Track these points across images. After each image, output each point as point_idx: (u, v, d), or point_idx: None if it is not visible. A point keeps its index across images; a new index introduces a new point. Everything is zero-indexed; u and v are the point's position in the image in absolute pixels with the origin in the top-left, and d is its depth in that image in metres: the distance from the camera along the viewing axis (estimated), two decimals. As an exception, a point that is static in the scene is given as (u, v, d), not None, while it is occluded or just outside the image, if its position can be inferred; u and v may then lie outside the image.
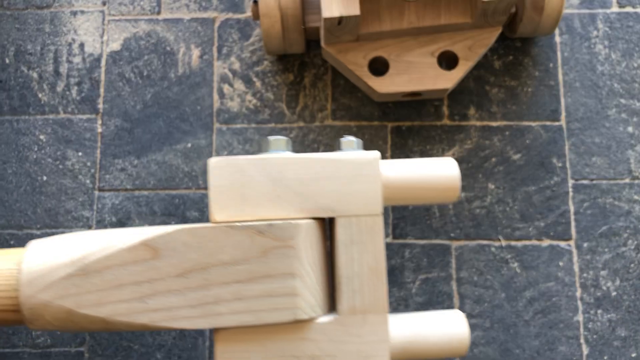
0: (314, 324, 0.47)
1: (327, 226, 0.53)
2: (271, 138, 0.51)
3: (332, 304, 0.51)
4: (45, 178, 0.81)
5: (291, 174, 0.48)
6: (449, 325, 0.51)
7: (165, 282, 0.45)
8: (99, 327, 0.46)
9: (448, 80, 0.74)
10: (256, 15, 0.76)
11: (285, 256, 0.46)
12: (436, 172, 0.52)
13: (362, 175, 0.49)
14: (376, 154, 0.50)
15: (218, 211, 0.47)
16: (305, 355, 0.47)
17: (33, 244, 0.46)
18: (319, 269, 0.49)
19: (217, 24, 0.85)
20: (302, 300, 0.46)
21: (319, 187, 0.48)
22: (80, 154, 0.82)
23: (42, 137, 0.82)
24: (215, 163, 0.47)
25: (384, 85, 0.74)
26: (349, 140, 0.52)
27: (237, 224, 0.46)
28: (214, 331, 0.47)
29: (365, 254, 0.49)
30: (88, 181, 0.81)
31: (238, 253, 0.46)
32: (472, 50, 0.75)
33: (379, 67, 0.78)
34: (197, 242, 0.46)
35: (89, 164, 0.82)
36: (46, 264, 0.45)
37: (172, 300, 0.45)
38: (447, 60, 0.77)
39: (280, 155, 0.49)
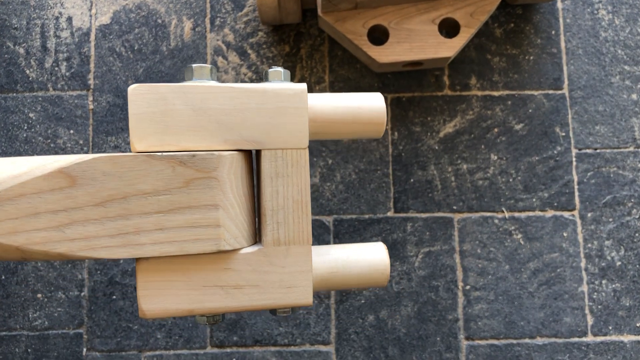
0: (237, 255, 0.48)
1: (253, 159, 0.52)
2: (194, 65, 0.49)
3: (257, 236, 0.51)
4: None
5: (215, 104, 0.47)
6: (371, 257, 0.52)
7: (84, 211, 0.44)
8: (15, 257, 0.44)
9: (450, 48, 0.72)
10: (250, -16, 0.74)
11: (208, 187, 0.46)
12: (363, 106, 0.51)
13: (288, 108, 0.48)
14: (303, 86, 0.49)
15: (138, 140, 0.45)
16: (229, 285, 0.47)
17: None
18: (244, 200, 0.49)
19: (209, -5, 0.82)
20: (225, 232, 0.46)
21: (243, 119, 0.47)
22: (71, 131, 0.79)
23: (31, 115, 0.80)
24: (134, 89, 0.45)
25: (384, 55, 0.72)
26: (276, 70, 0.50)
27: (159, 153, 0.45)
28: (136, 262, 0.46)
29: (290, 187, 0.49)
30: (81, 159, 0.79)
31: (159, 183, 0.45)
32: (473, 17, 0.73)
33: (378, 36, 0.76)
34: (117, 171, 0.44)
35: (81, 141, 0.79)
36: None
37: (91, 229, 0.44)
38: (448, 28, 0.75)
39: (204, 84, 0.47)
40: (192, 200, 0.46)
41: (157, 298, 0.46)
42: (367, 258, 0.52)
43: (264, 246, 0.48)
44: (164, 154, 0.45)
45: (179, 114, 0.46)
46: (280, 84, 0.49)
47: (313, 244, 0.76)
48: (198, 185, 0.46)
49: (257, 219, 0.52)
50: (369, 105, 0.52)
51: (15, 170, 0.43)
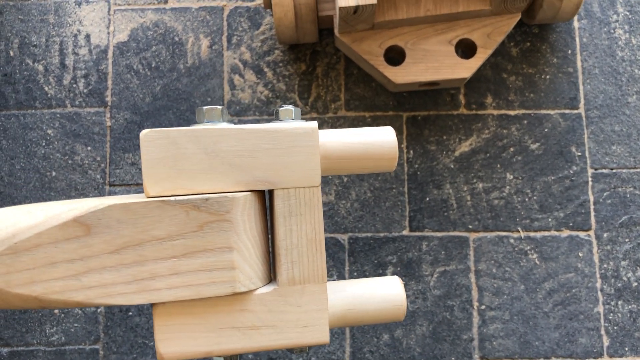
0: (253, 295, 0.48)
1: (266, 197, 0.52)
2: (205, 107, 0.49)
3: (272, 274, 0.51)
4: (54, 173, 0.80)
5: (227, 146, 0.47)
6: (387, 291, 0.52)
7: (99, 259, 0.44)
8: (33, 306, 0.45)
9: (466, 69, 0.72)
10: (268, 4, 0.74)
11: (222, 230, 0.46)
12: (374, 142, 0.51)
13: (300, 147, 0.48)
14: (314, 124, 0.48)
15: (151, 185, 0.46)
16: (245, 326, 0.47)
17: None
18: (258, 240, 0.49)
19: (226, 13, 0.83)
20: (240, 273, 0.46)
21: (255, 159, 0.47)
22: (89, 148, 0.80)
23: (49, 131, 0.81)
24: (146, 135, 0.46)
25: (400, 75, 0.72)
26: (286, 109, 0.50)
27: (172, 198, 0.45)
28: (152, 306, 0.47)
29: (304, 226, 0.48)
30: (98, 176, 0.80)
31: (173, 228, 0.45)
32: (490, 37, 0.73)
33: (394, 56, 0.76)
34: (131, 218, 0.44)
35: (98, 158, 0.80)
36: None
37: (107, 277, 0.44)
38: (465, 48, 0.75)
39: (214, 127, 0.47)
40: (206, 243, 0.46)
41: (174, 341, 0.47)
42: (383, 293, 0.52)
43: (279, 286, 0.48)
44: (177, 198, 0.45)
45: (192, 158, 0.46)
46: (291, 123, 0.49)
47: (328, 262, 0.77)
48: (212, 228, 0.46)
49: (271, 258, 0.52)
50: (380, 141, 0.51)
51: (32, 220, 0.43)
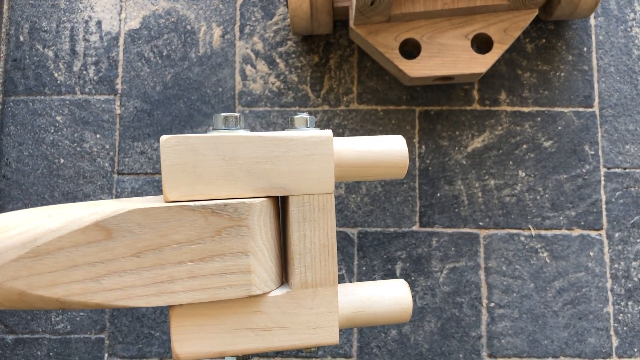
0: (267, 298, 0.49)
1: (279, 203, 0.54)
2: (223, 114, 0.50)
3: (284, 276, 0.53)
4: (62, 160, 0.79)
5: (245, 153, 0.48)
6: (394, 294, 0.53)
7: (120, 262, 0.45)
8: (54, 307, 0.46)
9: (482, 64, 0.71)
10: (282, -6, 0.73)
11: (239, 235, 0.47)
12: (386, 150, 0.52)
13: (315, 155, 0.49)
14: (329, 132, 0.50)
15: (171, 190, 0.47)
16: (259, 328, 0.49)
17: None
18: (272, 245, 0.50)
19: (239, 2, 0.82)
20: (255, 277, 0.48)
21: (272, 166, 0.48)
22: (98, 135, 0.79)
23: (58, 118, 0.80)
24: (166, 141, 0.46)
25: (415, 69, 0.72)
26: (301, 117, 0.52)
27: (191, 203, 0.46)
28: (169, 308, 0.48)
29: (317, 231, 0.50)
30: (107, 164, 0.79)
31: (192, 233, 0.46)
32: (507, 33, 0.72)
33: (409, 49, 0.75)
34: (151, 222, 0.45)
35: (107, 146, 0.79)
36: None
37: (127, 279, 0.45)
38: (480, 43, 0.75)
39: (233, 134, 0.48)
40: (224, 248, 0.47)
41: (190, 342, 0.48)
42: (390, 296, 0.53)
43: (292, 289, 0.50)
44: (197, 204, 0.46)
45: (210, 164, 0.47)
46: (306, 131, 0.50)
47: (337, 256, 0.76)
48: (229, 233, 0.47)
49: (284, 261, 0.53)
50: (391, 149, 0.53)
51: (53, 224, 0.44)
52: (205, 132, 0.79)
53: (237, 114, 0.50)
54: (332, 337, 0.50)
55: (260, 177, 0.48)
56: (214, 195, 0.47)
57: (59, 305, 0.45)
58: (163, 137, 0.46)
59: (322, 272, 0.50)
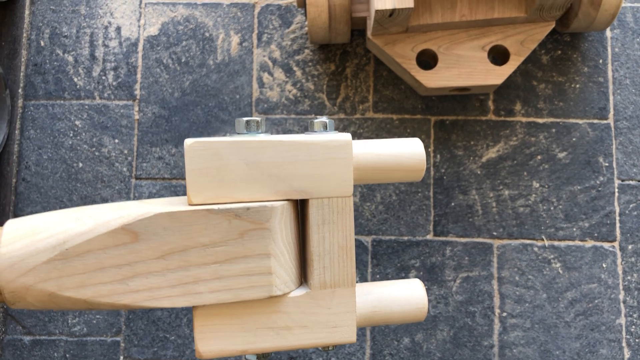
0: (287, 298, 0.50)
1: (299, 205, 0.54)
2: (245, 119, 0.51)
3: (303, 277, 0.54)
4: (81, 165, 0.80)
5: (266, 157, 0.49)
6: (409, 294, 0.54)
7: (146, 264, 0.46)
8: (82, 307, 0.47)
9: (499, 75, 0.72)
10: (301, 3, 0.74)
11: (261, 237, 0.48)
12: (404, 153, 0.53)
13: (335, 158, 0.50)
14: (348, 136, 0.50)
15: (195, 194, 0.48)
16: (279, 327, 0.50)
17: (9, 225, 0.46)
18: (292, 246, 0.51)
19: (257, 10, 0.83)
20: (276, 278, 0.49)
21: (293, 170, 0.49)
22: (116, 140, 0.80)
23: (77, 122, 0.81)
24: (190, 146, 0.47)
25: (432, 80, 0.72)
26: (320, 121, 0.52)
27: (215, 207, 0.47)
28: (193, 307, 0.49)
29: (335, 233, 0.51)
30: (125, 169, 0.80)
31: (216, 236, 0.47)
32: (524, 45, 0.72)
33: (425, 59, 0.76)
34: (177, 225, 0.47)
35: (125, 151, 0.80)
36: (26, 248, 0.45)
37: (153, 281, 0.47)
38: (497, 55, 0.75)
39: (255, 138, 0.49)
40: (246, 250, 0.48)
41: (212, 340, 0.49)
42: (406, 295, 0.54)
43: (311, 289, 0.51)
44: (221, 207, 0.47)
45: (233, 168, 0.48)
46: (326, 135, 0.51)
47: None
48: (252, 236, 0.48)
49: (303, 263, 0.54)
50: (409, 153, 0.53)
51: (81, 227, 0.45)
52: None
53: (258, 119, 0.51)
54: (350, 336, 0.51)
55: (281, 181, 0.49)
56: (237, 198, 0.48)
57: (86, 306, 0.46)
58: (188, 141, 0.47)
59: (341, 273, 0.51)
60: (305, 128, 0.79)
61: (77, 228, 0.45)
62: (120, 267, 0.46)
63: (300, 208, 0.53)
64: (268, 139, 0.49)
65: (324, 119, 0.53)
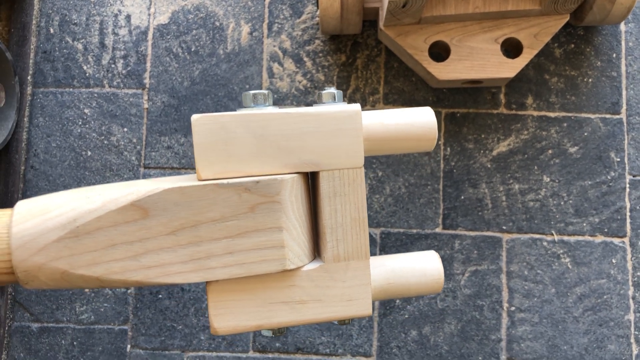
0: (300, 272, 0.49)
1: (309, 178, 0.53)
2: (252, 92, 0.50)
3: (316, 251, 0.53)
4: (89, 153, 0.80)
5: (275, 130, 0.48)
6: (425, 265, 0.54)
7: (157, 240, 0.46)
8: (94, 285, 0.47)
9: (511, 68, 0.71)
10: (313, -7, 0.73)
11: (272, 211, 0.47)
12: (415, 122, 0.52)
13: (344, 129, 0.49)
14: (357, 107, 0.50)
15: (204, 168, 0.47)
16: (294, 301, 0.49)
17: (20, 205, 0.46)
18: (304, 220, 0.51)
19: (268, 0, 0.82)
20: (289, 251, 0.48)
21: (302, 142, 0.49)
22: (125, 129, 0.80)
23: (86, 110, 0.81)
24: (197, 120, 0.47)
25: (444, 72, 0.72)
26: (329, 92, 0.51)
27: (224, 181, 0.47)
28: (206, 283, 0.49)
29: (347, 205, 0.50)
30: (133, 158, 0.80)
31: (227, 210, 0.47)
32: (537, 38, 0.72)
33: (437, 51, 0.75)
34: (187, 201, 0.46)
35: (134, 140, 0.80)
36: (37, 227, 0.45)
37: (164, 257, 0.46)
38: (509, 47, 0.75)
39: (263, 111, 0.48)
40: (257, 224, 0.47)
41: (227, 316, 0.48)
42: (422, 267, 0.53)
43: (325, 262, 0.50)
44: (230, 181, 0.47)
45: (241, 142, 0.48)
46: (334, 106, 0.50)
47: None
48: (263, 209, 0.47)
49: (315, 236, 0.53)
50: (420, 121, 0.52)
51: (91, 205, 0.45)
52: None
53: (265, 91, 0.50)
54: (365, 308, 0.51)
55: (290, 153, 0.48)
56: (246, 172, 0.48)
57: (99, 283, 0.46)
58: (194, 116, 0.47)
59: (354, 246, 0.50)
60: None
61: (87, 205, 0.45)
62: (131, 244, 0.46)
63: (311, 181, 0.53)
64: (276, 111, 0.48)
65: (333, 89, 0.52)
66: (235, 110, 0.79)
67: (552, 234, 0.77)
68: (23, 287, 0.45)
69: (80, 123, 0.80)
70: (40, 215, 0.45)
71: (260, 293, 0.49)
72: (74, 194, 0.46)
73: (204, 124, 0.47)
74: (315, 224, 0.53)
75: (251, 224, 0.47)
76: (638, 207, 0.77)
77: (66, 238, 0.45)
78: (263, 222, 0.47)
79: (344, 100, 0.75)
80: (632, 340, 0.75)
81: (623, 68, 0.80)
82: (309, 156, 0.49)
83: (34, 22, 0.81)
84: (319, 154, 0.49)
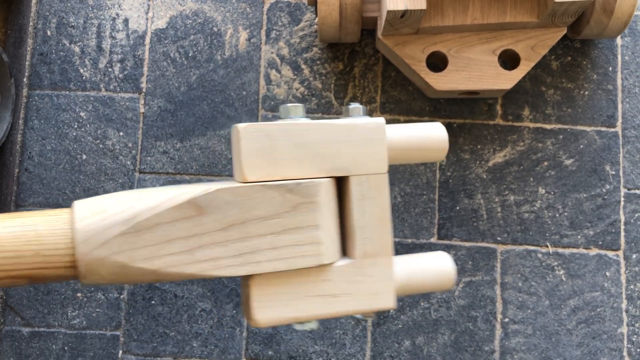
0: (333, 267, 0.54)
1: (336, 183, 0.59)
2: (289, 105, 0.55)
3: (344, 249, 0.58)
4: (84, 157, 0.79)
5: (312, 138, 0.54)
6: (438, 264, 0.58)
7: (210, 236, 0.50)
8: (150, 279, 0.50)
9: (508, 80, 0.72)
10: (312, 1, 0.73)
11: (310, 210, 0.53)
12: (430, 135, 0.58)
13: (371, 139, 0.55)
14: (382, 120, 0.56)
15: (250, 172, 0.52)
16: (327, 294, 0.54)
17: (79, 205, 0.50)
18: (334, 220, 0.55)
19: (266, 6, 0.82)
20: (324, 248, 0.53)
21: (335, 150, 0.54)
22: (121, 133, 0.80)
23: (82, 114, 0.80)
24: (244, 128, 0.52)
25: (441, 82, 0.72)
26: (356, 107, 0.57)
27: (269, 183, 0.52)
28: (249, 277, 0.52)
29: (374, 207, 0.55)
30: (129, 162, 0.79)
31: (271, 209, 0.52)
32: (534, 50, 0.72)
33: (435, 61, 0.75)
34: (237, 199, 0.51)
35: (130, 144, 0.80)
36: (100, 223, 0.48)
37: (217, 251, 0.50)
38: (507, 59, 0.75)
39: (301, 122, 0.54)
40: (298, 222, 0.52)
41: (267, 309, 0.53)
42: (436, 265, 0.58)
43: (355, 259, 0.55)
44: (275, 183, 0.52)
45: (283, 149, 0.53)
46: (362, 119, 0.56)
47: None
48: (303, 209, 0.53)
49: (341, 235, 0.58)
50: (434, 135, 0.58)
51: (149, 203, 0.50)
52: (229, 134, 0.79)
53: (301, 105, 0.56)
54: (389, 302, 0.55)
55: (325, 159, 0.54)
56: (286, 176, 0.53)
57: (154, 277, 0.50)
58: (241, 125, 0.52)
59: (380, 244, 0.55)
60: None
61: (145, 204, 0.49)
62: (187, 239, 0.50)
63: (340, 185, 0.57)
64: (313, 122, 0.54)
65: (358, 105, 0.57)
66: (231, 116, 0.79)
67: (547, 246, 0.77)
68: (81, 282, 0.48)
69: (75, 126, 0.80)
70: (101, 213, 0.49)
71: (298, 287, 0.53)
72: (127, 195, 0.50)
73: (251, 132, 0.52)
74: (342, 224, 0.57)
75: (292, 222, 0.52)
76: (632, 221, 0.77)
77: (127, 233, 0.48)
78: (303, 220, 0.52)
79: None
80: (625, 353, 0.75)
81: (619, 81, 0.80)
82: (341, 162, 0.54)
83: (31, 24, 0.81)
84: (349, 160, 0.54)
